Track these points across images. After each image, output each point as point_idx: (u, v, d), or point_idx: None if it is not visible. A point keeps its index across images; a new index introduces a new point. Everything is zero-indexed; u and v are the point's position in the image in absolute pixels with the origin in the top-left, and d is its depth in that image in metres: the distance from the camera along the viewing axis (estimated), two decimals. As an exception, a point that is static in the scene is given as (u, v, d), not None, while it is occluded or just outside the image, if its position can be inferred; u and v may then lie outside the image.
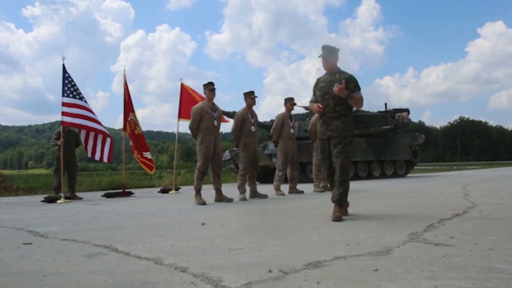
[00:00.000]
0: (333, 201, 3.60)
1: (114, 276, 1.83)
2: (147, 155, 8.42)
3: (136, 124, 8.27)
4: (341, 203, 3.56)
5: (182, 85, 8.91)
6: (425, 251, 2.16)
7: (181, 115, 8.81)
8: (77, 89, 7.07)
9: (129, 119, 8.15)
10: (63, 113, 6.87)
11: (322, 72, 3.82)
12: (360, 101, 3.63)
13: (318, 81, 3.81)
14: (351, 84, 3.60)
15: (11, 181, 11.88)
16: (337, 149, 3.58)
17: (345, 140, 3.60)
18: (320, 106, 3.66)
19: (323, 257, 2.06)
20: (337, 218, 3.41)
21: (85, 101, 7.15)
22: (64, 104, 6.87)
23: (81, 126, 7.15)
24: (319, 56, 3.75)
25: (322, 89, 3.71)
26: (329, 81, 3.66)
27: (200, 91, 7.76)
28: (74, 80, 7.14)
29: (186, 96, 8.89)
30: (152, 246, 2.51)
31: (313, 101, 3.82)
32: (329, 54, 3.70)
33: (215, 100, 5.78)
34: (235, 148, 10.33)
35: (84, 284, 1.74)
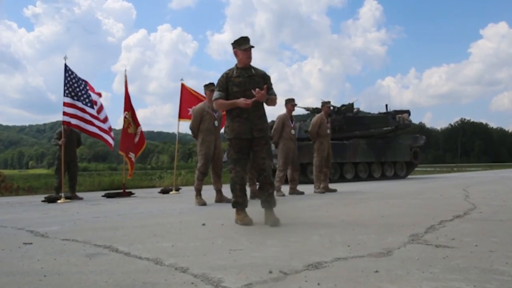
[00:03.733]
0: (263, 207, 3.41)
1: (115, 276, 1.83)
2: (132, 156, 7.99)
3: (129, 123, 7.97)
4: (275, 205, 3.44)
5: (182, 85, 8.88)
6: (426, 253, 2.16)
7: (182, 115, 8.77)
8: (75, 88, 6.94)
9: (124, 116, 7.96)
10: (64, 113, 6.86)
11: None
12: (275, 100, 3.54)
13: (231, 75, 3.47)
14: (269, 81, 3.53)
15: (12, 181, 11.87)
16: (264, 150, 3.45)
17: (269, 141, 3.58)
18: (248, 101, 3.32)
19: (324, 258, 2.06)
20: (277, 222, 3.25)
21: (85, 103, 7.00)
22: (65, 104, 6.86)
23: (80, 128, 7.11)
24: (246, 48, 3.40)
25: (241, 85, 3.41)
26: (248, 76, 3.44)
27: (201, 91, 7.75)
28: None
29: (187, 97, 8.84)
30: (153, 247, 2.51)
31: (222, 97, 3.46)
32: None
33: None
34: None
35: (85, 284, 1.74)
